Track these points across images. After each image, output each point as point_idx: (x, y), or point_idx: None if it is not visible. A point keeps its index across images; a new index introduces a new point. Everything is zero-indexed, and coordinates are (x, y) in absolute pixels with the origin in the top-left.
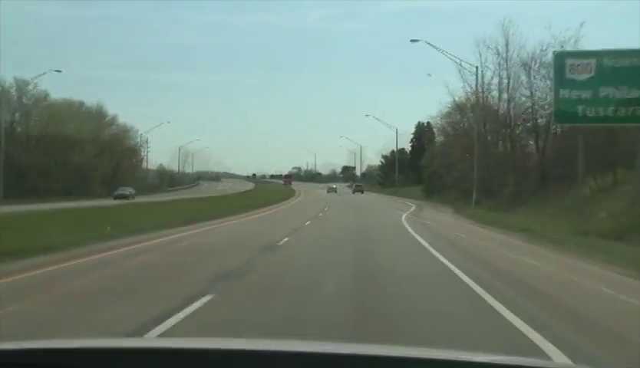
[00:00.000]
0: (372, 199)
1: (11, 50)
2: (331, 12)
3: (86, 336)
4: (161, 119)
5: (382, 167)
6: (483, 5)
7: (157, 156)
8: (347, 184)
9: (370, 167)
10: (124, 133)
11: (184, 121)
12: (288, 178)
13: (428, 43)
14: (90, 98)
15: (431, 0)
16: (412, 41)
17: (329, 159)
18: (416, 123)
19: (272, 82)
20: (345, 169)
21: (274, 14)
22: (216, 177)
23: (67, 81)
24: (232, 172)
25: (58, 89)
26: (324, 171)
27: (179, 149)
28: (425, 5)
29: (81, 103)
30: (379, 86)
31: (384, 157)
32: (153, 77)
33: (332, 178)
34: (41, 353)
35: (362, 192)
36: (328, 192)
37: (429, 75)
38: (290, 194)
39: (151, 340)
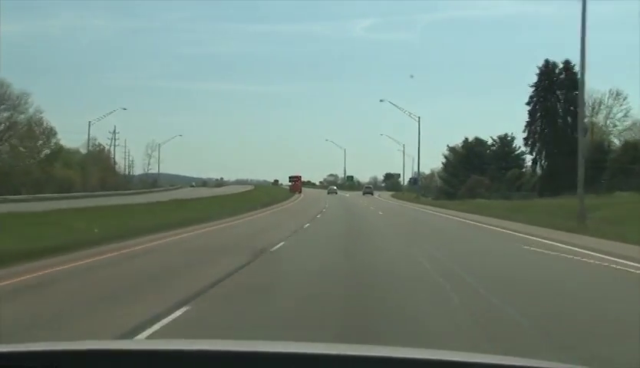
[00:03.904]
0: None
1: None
2: (377, 22)
3: (87, 338)
4: (200, 126)
5: (447, 167)
6: (530, 13)
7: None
8: (391, 194)
9: (420, 174)
10: None
11: (223, 129)
12: (296, 181)
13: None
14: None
15: (478, 9)
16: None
17: (373, 168)
18: (541, 63)
19: (314, 91)
20: (388, 176)
21: (320, 25)
22: (219, 183)
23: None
24: (260, 179)
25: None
26: (363, 178)
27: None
28: (471, 15)
29: None
30: (426, 96)
31: (452, 150)
32: (197, 86)
33: (373, 186)
34: (38, 355)
35: (372, 194)
36: (328, 193)
37: (411, 76)
38: (270, 201)
39: (149, 341)
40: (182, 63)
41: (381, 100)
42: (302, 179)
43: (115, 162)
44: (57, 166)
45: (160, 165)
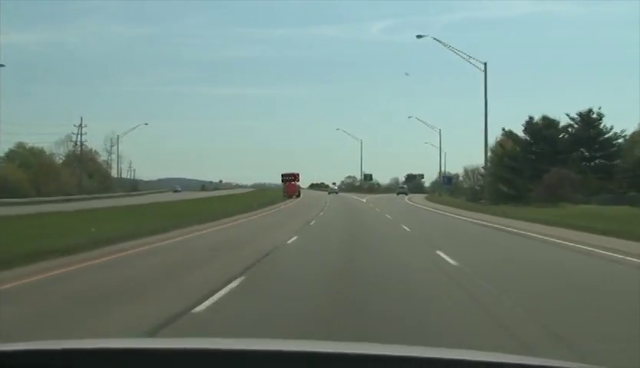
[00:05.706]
0: None
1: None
2: (393, 24)
3: (89, 337)
4: (214, 131)
5: (502, 160)
6: (545, 13)
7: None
8: (424, 196)
9: (447, 173)
10: None
11: (237, 133)
12: (290, 180)
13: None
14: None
15: (493, 10)
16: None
17: (391, 171)
18: None
19: (330, 94)
20: (410, 177)
21: (335, 27)
22: (216, 186)
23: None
24: (278, 182)
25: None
26: (383, 180)
27: None
28: (487, 16)
29: None
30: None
31: (508, 134)
32: (208, 91)
33: (393, 189)
34: (40, 354)
35: (406, 194)
36: (329, 193)
37: (407, 74)
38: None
39: (150, 340)
40: (194, 68)
41: (419, 36)
42: (315, 181)
43: (109, 165)
44: None
45: (169, 169)
